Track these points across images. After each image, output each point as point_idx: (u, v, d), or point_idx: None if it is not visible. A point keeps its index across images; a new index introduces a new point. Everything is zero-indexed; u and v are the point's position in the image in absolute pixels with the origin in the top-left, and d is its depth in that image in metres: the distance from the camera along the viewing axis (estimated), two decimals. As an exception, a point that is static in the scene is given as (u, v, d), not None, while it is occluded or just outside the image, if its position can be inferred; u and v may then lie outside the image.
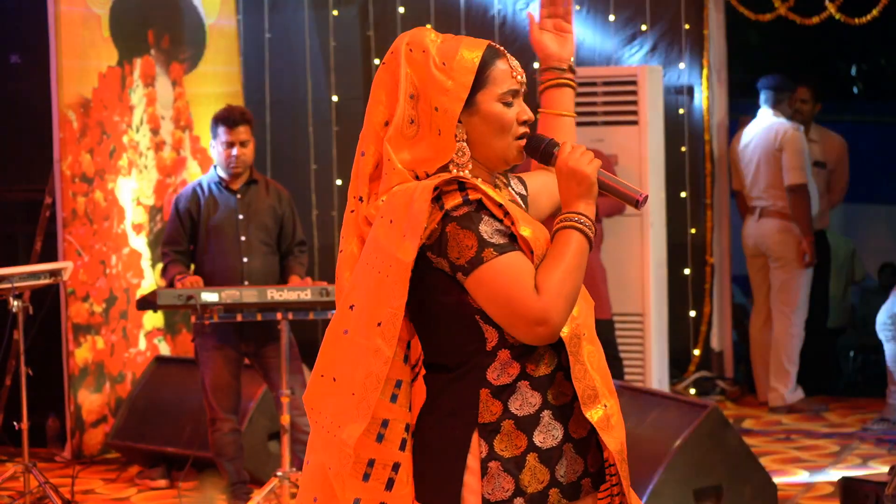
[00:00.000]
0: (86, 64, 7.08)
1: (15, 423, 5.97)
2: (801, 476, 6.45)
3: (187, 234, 5.85)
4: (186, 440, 6.40)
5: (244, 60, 8.40)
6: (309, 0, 8.73)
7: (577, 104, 8.50)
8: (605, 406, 2.55)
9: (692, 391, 8.16)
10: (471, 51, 2.57)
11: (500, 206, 2.50)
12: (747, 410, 7.94)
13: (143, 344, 7.42)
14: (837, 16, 7.95)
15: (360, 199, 2.60)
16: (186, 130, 7.74)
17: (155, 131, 7.53)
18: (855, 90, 13.81)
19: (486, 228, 2.48)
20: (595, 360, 2.59)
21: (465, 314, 2.51)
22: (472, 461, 2.50)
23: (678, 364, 8.25)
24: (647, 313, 7.76)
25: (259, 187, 5.93)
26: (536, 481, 2.51)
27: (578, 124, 8.64)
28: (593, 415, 2.52)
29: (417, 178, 2.57)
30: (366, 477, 2.55)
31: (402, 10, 8.71)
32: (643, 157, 7.73)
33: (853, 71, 13.80)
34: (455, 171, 2.57)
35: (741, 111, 8.11)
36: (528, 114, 2.61)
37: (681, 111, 8.28)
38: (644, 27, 8.27)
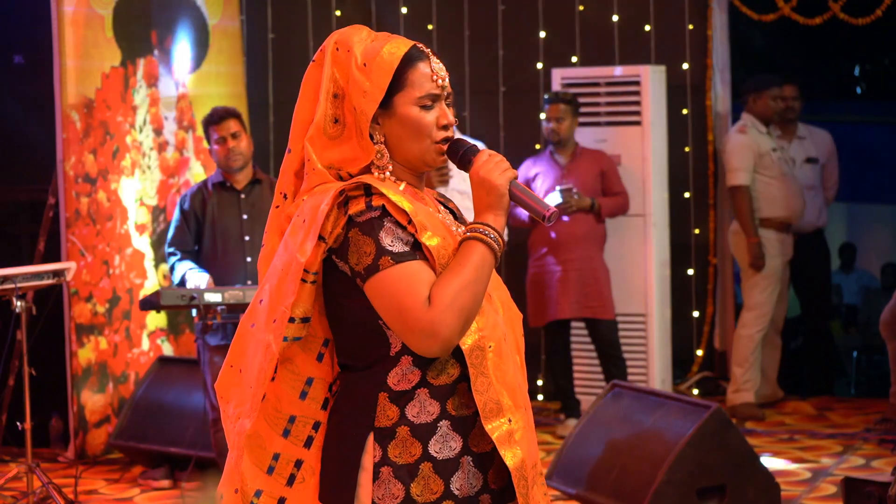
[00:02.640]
0: (89, 64, 7.08)
1: (18, 424, 5.97)
2: (804, 476, 6.44)
3: (192, 235, 5.86)
4: (189, 440, 6.40)
5: (247, 61, 8.41)
6: (312, 0, 8.74)
7: (582, 104, 8.46)
8: (510, 421, 2.50)
9: (695, 391, 8.16)
10: (391, 52, 2.53)
11: (406, 213, 2.46)
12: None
13: (146, 344, 7.42)
14: (841, 16, 7.94)
15: (285, 196, 2.60)
16: (189, 131, 7.74)
17: (158, 132, 7.54)
18: (858, 90, 13.80)
19: (387, 236, 2.45)
20: (507, 374, 2.53)
21: (369, 318, 2.49)
22: (367, 463, 2.49)
23: (681, 364, 8.25)
24: (651, 313, 7.75)
25: (263, 187, 5.93)
26: (429, 491, 2.47)
27: (582, 124, 8.65)
28: (494, 429, 2.48)
29: (341, 178, 2.55)
30: (270, 470, 2.59)
31: (404, 10, 8.72)
32: (646, 157, 7.73)
33: (856, 71, 13.79)
34: (376, 173, 2.55)
35: (743, 110, 8.10)
36: (448, 118, 2.56)
37: (684, 111, 8.28)
38: (647, 27, 8.27)
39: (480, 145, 2.69)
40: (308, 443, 2.59)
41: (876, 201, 11.72)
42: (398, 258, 2.43)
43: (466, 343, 2.47)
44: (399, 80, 2.53)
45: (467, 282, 2.42)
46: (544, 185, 7.34)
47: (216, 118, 5.88)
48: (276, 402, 2.58)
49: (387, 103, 2.53)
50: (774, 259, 7.75)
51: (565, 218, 7.25)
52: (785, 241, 7.79)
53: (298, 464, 2.59)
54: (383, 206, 2.47)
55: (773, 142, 7.81)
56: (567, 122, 7.32)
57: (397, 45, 2.54)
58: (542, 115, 7.88)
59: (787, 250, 7.81)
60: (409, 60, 2.53)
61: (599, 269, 7.33)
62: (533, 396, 8.23)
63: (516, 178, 2.53)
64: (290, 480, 2.59)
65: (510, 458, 2.49)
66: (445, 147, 2.57)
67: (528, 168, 7.49)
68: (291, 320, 2.50)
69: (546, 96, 7.56)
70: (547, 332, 7.56)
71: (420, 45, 2.57)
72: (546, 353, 7.91)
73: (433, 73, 2.55)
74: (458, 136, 2.65)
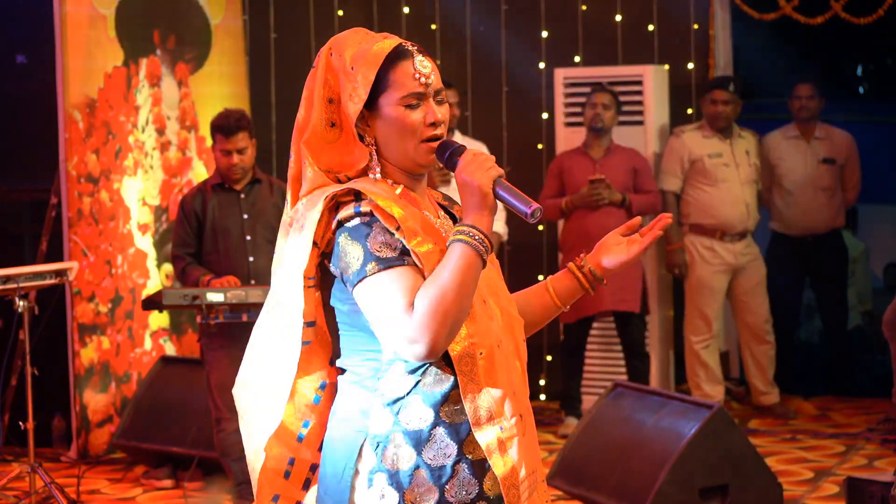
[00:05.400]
0: (91, 64, 7.08)
1: (21, 423, 5.98)
2: (807, 476, 6.44)
3: (196, 235, 5.86)
4: (192, 440, 6.41)
5: (250, 60, 8.41)
6: (314, 0, 8.74)
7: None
8: (500, 429, 2.47)
9: (698, 391, 8.15)
10: (374, 52, 2.51)
11: (395, 218, 2.44)
12: (752, 410, 7.92)
13: (148, 344, 7.42)
14: (842, 15, 7.94)
15: (287, 200, 2.61)
16: (192, 131, 7.75)
17: (160, 131, 7.54)
18: (860, 90, 13.80)
19: (374, 241, 2.43)
20: (499, 381, 2.50)
21: (360, 324, 2.49)
22: (362, 469, 2.48)
23: (684, 364, 8.24)
24: (653, 313, 7.75)
25: (263, 186, 5.93)
26: (423, 499, 2.45)
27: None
28: (483, 436, 2.46)
29: (340, 181, 2.54)
30: (287, 475, 2.59)
31: (406, 10, 8.72)
32: (649, 157, 7.72)
33: (859, 71, 13.79)
34: (370, 174, 2.54)
35: (746, 111, 8.09)
36: (435, 116, 2.53)
37: (687, 111, 8.27)
38: (650, 27, 8.27)
39: (480, 146, 2.68)
40: (321, 447, 2.59)
41: (879, 201, 11.69)
42: (385, 264, 2.42)
43: (455, 350, 2.45)
44: (383, 81, 2.51)
45: (453, 286, 2.39)
46: (575, 178, 7.30)
47: (226, 130, 5.75)
48: (292, 406, 2.58)
49: (373, 104, 2.53)
50: (705, 267, 7.59)
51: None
52: (722, 249, 7.59)
53: (313, 468, 2.60)
54: (371, 211, 2.45)
55: (717, 147, 7.59)
56: (612, 111, 7.31)
57: (382, 45, 2.52)
58: (545, 115, 7.88)
59: (728, 258, 7.58)
60: (391, 60, 2.52)
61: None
62: (535, 396, 8.22)
63: (502, 176, 2.49)
64: (306, 484, 2.60)
65: (499, 466, 2.46)
66: (436, 145, 2.54)
67: (561, 163, 7.43)
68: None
69: (590, 89, 7.49)
70: (569, 328, 7.51)
71: (406, 44, 2.55)
72: (561, 349, 7.83)
73: (416, 71, 2.52)
74: (459, 139, 2.64)
